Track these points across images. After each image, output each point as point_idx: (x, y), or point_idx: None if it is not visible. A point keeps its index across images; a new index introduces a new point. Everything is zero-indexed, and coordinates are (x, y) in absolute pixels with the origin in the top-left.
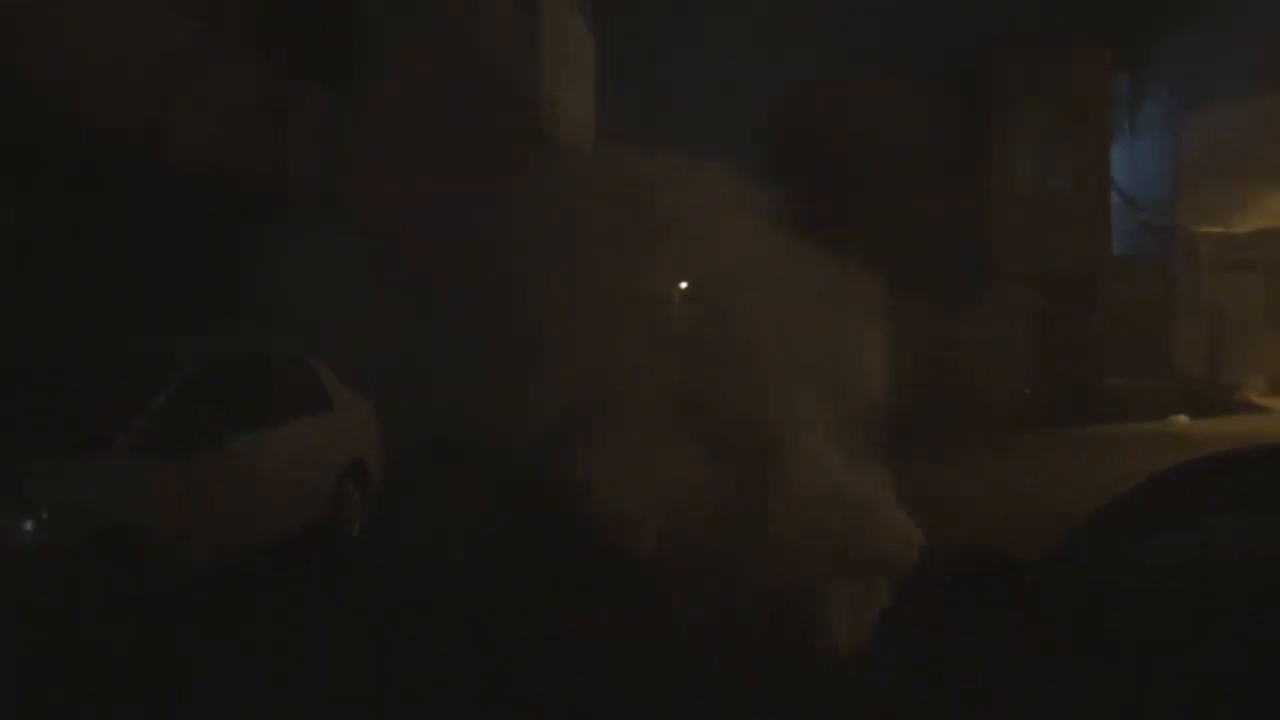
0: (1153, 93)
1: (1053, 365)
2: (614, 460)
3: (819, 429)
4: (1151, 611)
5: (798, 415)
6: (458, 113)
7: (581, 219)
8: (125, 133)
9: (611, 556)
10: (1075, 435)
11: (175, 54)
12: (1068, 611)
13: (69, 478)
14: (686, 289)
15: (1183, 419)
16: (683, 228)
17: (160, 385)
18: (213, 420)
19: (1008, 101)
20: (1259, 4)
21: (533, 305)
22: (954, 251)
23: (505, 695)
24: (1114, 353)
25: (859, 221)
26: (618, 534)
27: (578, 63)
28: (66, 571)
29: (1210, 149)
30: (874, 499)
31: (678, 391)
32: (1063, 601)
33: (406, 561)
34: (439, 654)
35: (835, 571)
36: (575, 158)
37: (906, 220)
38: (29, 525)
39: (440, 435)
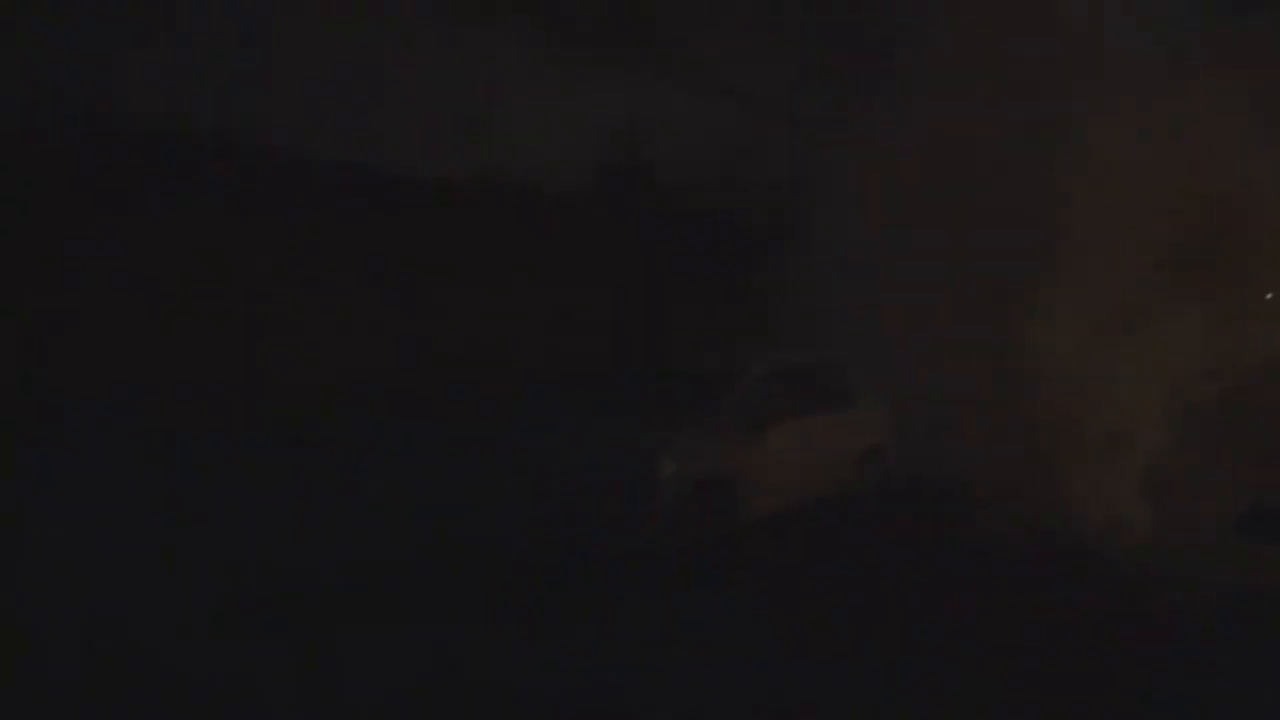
0: None
1: None
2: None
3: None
4: None
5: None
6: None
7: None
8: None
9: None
10: None
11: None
12: None
13: (689, 441)
14: None
15: None
16: None
17: (738, 382)
18: (772, 408)
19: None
20: None
21: None
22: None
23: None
24: None
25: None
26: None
27: None
28: (688, 503)
29: None
30: None
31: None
32: None
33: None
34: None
35: None
36: None
37: None
38: (674, 469)
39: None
